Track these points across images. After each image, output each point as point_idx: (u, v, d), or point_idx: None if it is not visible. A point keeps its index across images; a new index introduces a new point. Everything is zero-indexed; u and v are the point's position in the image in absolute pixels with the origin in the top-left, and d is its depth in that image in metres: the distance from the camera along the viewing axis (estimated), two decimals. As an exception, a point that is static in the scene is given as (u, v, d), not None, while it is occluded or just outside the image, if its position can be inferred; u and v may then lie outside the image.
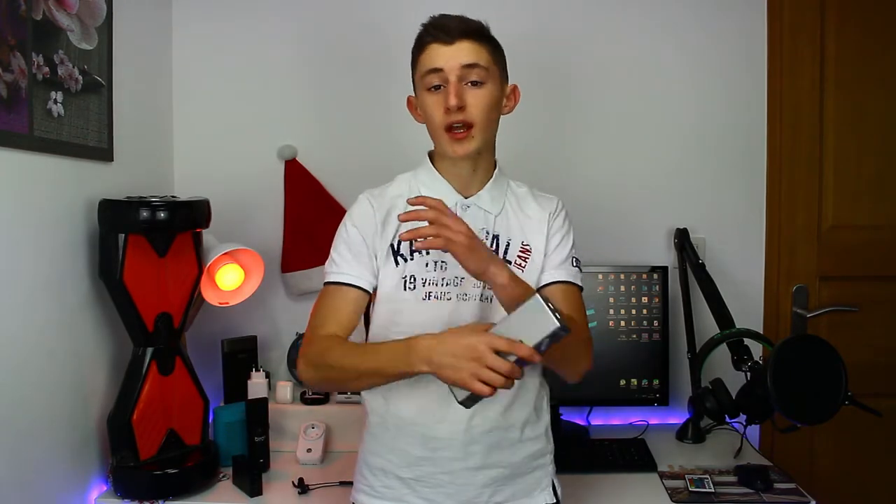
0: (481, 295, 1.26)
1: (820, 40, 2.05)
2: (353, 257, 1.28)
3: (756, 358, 1.74)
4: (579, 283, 1.32)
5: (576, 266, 1.32)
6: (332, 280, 1.28)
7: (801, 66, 2.06)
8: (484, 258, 1.12)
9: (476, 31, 1.24)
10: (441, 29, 1.23)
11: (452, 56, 1.21)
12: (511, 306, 1.12)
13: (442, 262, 1.27)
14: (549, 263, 1.30)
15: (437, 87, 1.23)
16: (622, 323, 1.94)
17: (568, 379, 1.27)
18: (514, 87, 1.33)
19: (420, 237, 1.11)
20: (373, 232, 1.29)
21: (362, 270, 1.27)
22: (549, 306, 1.02)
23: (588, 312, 1.89)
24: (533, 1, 2.07)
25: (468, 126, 1.23)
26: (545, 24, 2.07)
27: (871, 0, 2.04)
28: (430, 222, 1.11)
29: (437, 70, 1.22)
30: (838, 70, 2.06)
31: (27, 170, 1.42)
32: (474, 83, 1.23)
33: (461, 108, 1.21)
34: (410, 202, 1.14)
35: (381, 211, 1.30)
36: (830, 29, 2.05)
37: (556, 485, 1.34)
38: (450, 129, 1.23)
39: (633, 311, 1.95)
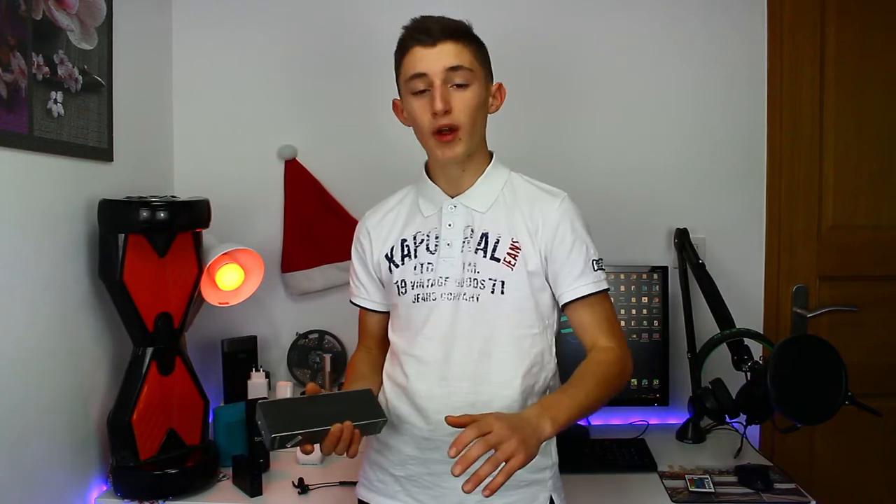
0: (464, 294, 1.25)
1: (820, 40, 2.05)
2: (359, 280, 1.40)
3: (756, 358, 1.74)
4: (605, 287, 1.27)
5: (598, 268, 1.27)
6: (351, 300, 1.44)
7: (801, 65, 2.06)
8: (531, 436, 1.04)
9: (459, 32, 1.22)
10: (423, 31, 1.21)
11: (436, 59, 1.20)
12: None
13: (428, 263, 1.28)
14: (566, 276, 1.25)
15: (423, 91, 1.22)
16: (622, 323, 1.94)
17: None
18: (500, 86, 1.31)
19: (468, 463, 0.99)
20: (369, 252, 1.36)
21: (367, 291, 1.39)
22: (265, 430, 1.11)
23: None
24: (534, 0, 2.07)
25: (454, 129, 1.22)
26: (544, 24, 2.06)
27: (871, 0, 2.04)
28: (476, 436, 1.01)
29: (422, 75, 1.21)
30: (838, 69, 2.06)
31: (27, 170, 1.42)
32: (459, 85, 1.21)
33: (447, 111, 1.20)
34: (450, 421, 1.03)
35: (374, 229, 1.37)
36: (830, 28, 2.05)
37: (557, 500, 1.28)
38: (437, 132, 1.22)
39: (633, 311, 1.95)
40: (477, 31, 1.28)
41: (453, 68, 1.20)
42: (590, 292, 1.26)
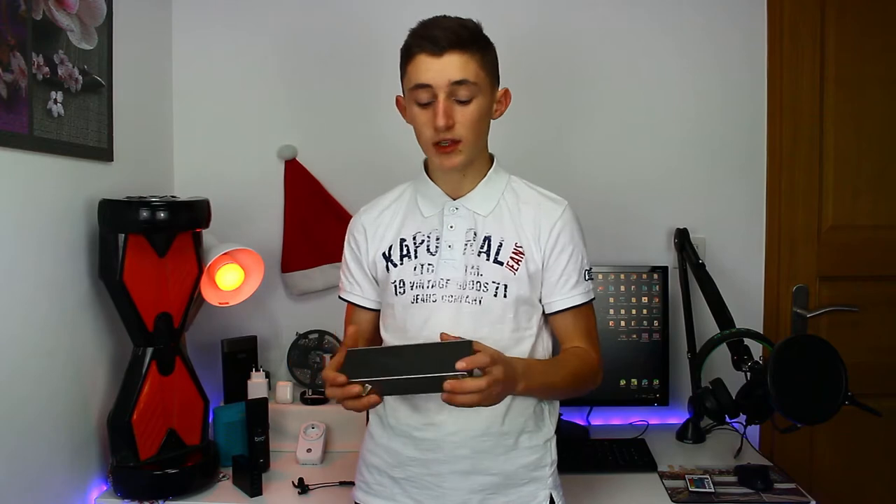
0: (466, 297, 1.24)
1: (820, 39, 2.05)
2: (353, 277, 1.39)
3: (756, 358, 1.74)
4: (591, 298, 1.32)
5: (588, 279, 1.31)
6: (340, 296, 1.43)
7: (801, 64, 2.05)
8: (502, 395, 1.12)
9: (466, 41, 1.19)
10: (429, 39, 1.19)
11: (441, 71, 1.18)
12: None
13: (429, 264, 1.28)
14: (560, 285, 1.28)
15: (426, 103, 1.21)
16: (622, 323, 1.94)
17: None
18: (506, 91, 1.30)
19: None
20: (364, 248, 1.35)
21: (361, 288, 1.38)
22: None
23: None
24: (533, 1, 2.07)
25: (456, 142, 1.22)
26: (545, 24, 2.07)
27: (871, -1, 2.04)
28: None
29: (426, 86, 1.20)
30: (838, 69, 2.05)
31: (27, 170, 1.42)
32: (462, 101, 1.20)
33: (449, 127, 1.20)
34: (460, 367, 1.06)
35: (370, 225, 1.35)
36: (830, 28, 2.05)
37: (556, 498, 1.29)
38: (437, 143, 1.22)
39: (633, 311, 1.95)
40: None
41: (458, 82, 1.19)
42: (579, 303, 1.30)
